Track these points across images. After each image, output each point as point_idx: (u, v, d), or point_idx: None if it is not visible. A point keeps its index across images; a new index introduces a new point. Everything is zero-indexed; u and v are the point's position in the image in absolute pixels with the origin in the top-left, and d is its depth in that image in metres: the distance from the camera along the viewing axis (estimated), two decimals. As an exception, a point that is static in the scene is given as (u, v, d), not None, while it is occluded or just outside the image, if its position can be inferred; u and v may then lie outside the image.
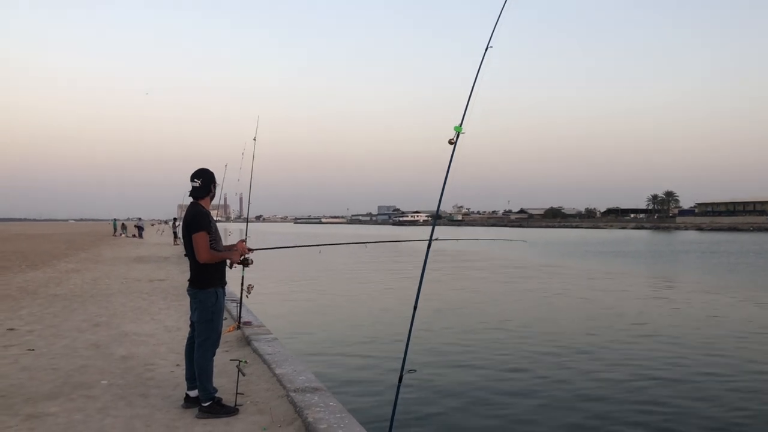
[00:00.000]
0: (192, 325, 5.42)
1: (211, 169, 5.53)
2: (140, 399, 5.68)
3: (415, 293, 4.31)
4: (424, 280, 4.29)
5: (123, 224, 63.18)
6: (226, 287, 5.53)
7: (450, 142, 3.88)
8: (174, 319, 10.19)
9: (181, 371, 6.54)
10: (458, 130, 3.84)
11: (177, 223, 49.31)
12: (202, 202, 5.41)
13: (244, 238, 5.67)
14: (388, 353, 10.63)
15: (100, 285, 15.49)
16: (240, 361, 5.49)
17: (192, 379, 5.36)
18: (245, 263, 5.52)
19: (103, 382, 6.25)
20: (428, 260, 4.27)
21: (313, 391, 5.51)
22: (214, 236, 5.32)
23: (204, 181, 5.41)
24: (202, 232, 5.17)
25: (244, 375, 5.47)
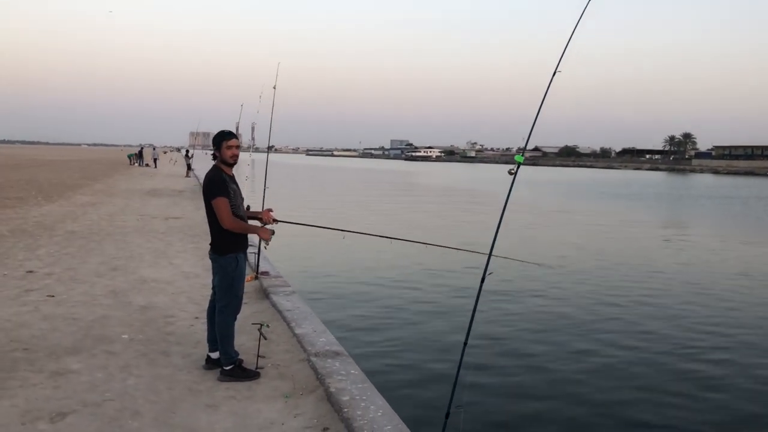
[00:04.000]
0: (214, 289, 5.37)
1: (227, 124, 5.35)
2: (162, 357, 5.70)
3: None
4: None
5: (140, 152, 61.31)
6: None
7: (510, 173, 3.68)
8: (191, 264, 10.21)
9: (200, 325, 6.58)
10: (519, 161, 3.63)
11: (191, 154, 49.20)
12: (219, 165, 5.24)
13: (270, 207, 5.51)
14: (412, 310, 10.37)
15: (117, 222, 15.54)
16: (262, 325, 5.47)
17: (214, 341, 5.36)
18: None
19: (124, 336, 6.27)
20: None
21: (334, 356, 5.50)
22: (234, 200, 5.19)
23: (212, 146, 5.26)
24: (221, 198, 5.03)
25: (266, 339, 5.46)
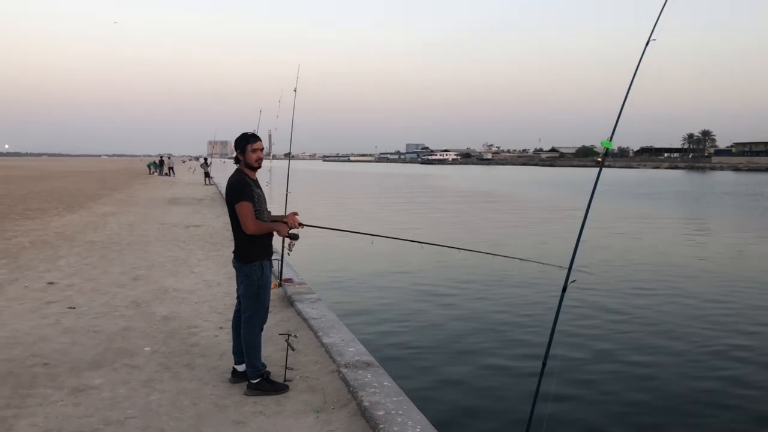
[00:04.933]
0: (239, 298, 5.14)
1: (247, 127, 5.10)
2: (185, 370, 5.48)
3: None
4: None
5: (161, 160, 60.98)
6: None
7: (596, 161, 3.38)
8: (213, 273, 10.02)
9: (225, 336, 6.37)
10: (607, 146, 3.30)
11: (209, 162, 49.39)
12: (243, 169, 5.00)
13: (296, 211, 5.25)
14: (444, 319, 9.81)
15: (137, 231, 15.43)
16: (289, 335, 5.22)
17: (240, 354, 5.12)
18: (292, 237, 5.14)
19: (146, 348, 6.07)
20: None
21: (365, 366, 5.24)
22: (258, 205, 4.95)
23: (234, 146, 5.03)
24: (244, 202, 4.79)
25: (293, 350, 5.21)
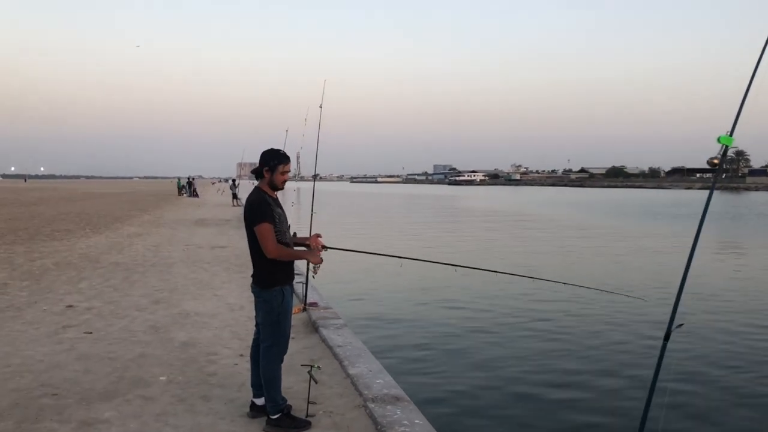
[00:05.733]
0: (257, 326, 4.77)
1: (277, 145, 4.75)
2: (202, 402, 5.10)
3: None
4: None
5: (189, 181, 61.54)
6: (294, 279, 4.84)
7: (712, 164, 2.94)
8: (236, 296, 9.70)
9: (245, 364, 5.98)
10: (727, 143, 2.85)
11: (237, 183, 49.59)
12: (262, 186, 4.65)
13: (318, 232, 4.89)
14: (488, 352, 9.06)
15: (162, 252, 15.23)
16: (312, 367, 4.82)
17: (258, 386, 4.74)
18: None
19: (161, 378, 5.72)
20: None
21: (394, 401, 4.82)
22: (280, 226, 4.58)
23: (260, 160, 4.63)
24: (265, 224, 4.42)
25: (316, 382, 4.81)
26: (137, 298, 9.47)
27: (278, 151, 4.64)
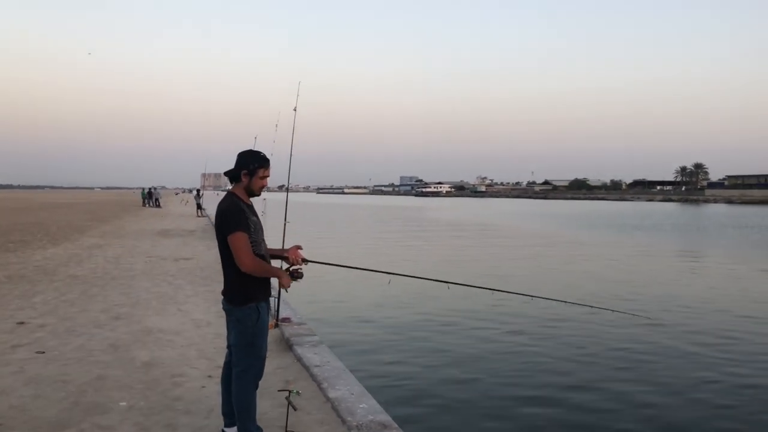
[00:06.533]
0: (229, 348, 4.28)
1: (254, 148, 4.28)
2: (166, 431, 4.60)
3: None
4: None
5: (150, 191, 60.10)
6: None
7: None
8: (202, 311, 9.14)
9: (213, 387, 5.50)
10: None
11: (201, 193, 48.67)
12: (237, 191, 4.19)
13: (298, 244, 4.43)
14: (464, 365, 8.64)
15: (123, 264, 14.53)
16: (290, 392, 4.36)
17: (230, 414, 4.26)
18: (295, 276, 4.29)
19: (121, 403, 5.18)
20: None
21: (381, 429, 4.38)
22: (255, 236, 4.13)
23: (237, 162, 4.16)
24: (239, 233, 3.96)
25: (295, 409, 4.34)
26: (96, 313, 8.85)
27: (258, 152, 4.19)
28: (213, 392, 5.37)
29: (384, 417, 4.64)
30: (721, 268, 20.62)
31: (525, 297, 6.24)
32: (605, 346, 9.60)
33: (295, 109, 7.46)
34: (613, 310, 8.03)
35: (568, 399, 7.33)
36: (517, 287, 7.03)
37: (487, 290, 5.78)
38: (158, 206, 54.15)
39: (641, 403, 7.25)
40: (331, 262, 4.91)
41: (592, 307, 7.62)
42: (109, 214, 40.51)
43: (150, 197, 58.40)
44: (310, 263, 4.44)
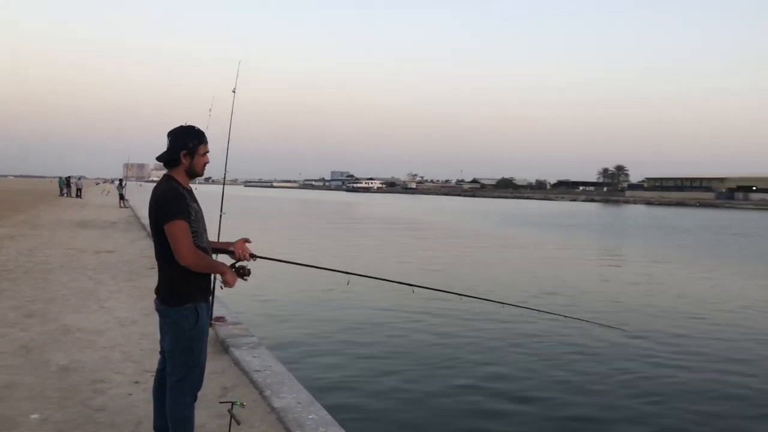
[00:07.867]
0: (163, 354, 3.75)
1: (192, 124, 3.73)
2: (86, 450, 4.01)
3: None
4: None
5: (67, 181, 56.86)
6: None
7: None
8: (127, 308, 8.43)
9: (141, 394, 4.94)
10: None
11: (124, 184, 46.70)
12: (176, 175, 3.66)
13: (246, 237, 3.91)
14: (407, 363, 8.36)
15: (38, 257, 13.46)
16: (233, 404, 3.85)
17: (163, 429, 3.73)
18: (241, 273, 3.78)
19: (33, 416, 4.54)
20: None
21: (333, 441, 3.95)
22: (196, 226, 3.61)
23: (171, 143, 3.61)
24: (178, 221, 3.44)
25: (239, 424, 3.84)
26: (5, 310, 8.00)
27: (193, 127, 3.66)
28: (141, 400, 4.81)
29: (336, 429, 4.20)
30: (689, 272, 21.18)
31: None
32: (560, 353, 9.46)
33: (234, 91, 6.90)
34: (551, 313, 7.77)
35: (492, 388, 7.15)
36: (457, 287, 6.73)
37: (449, 294, 5.36)
38: (79, 196, 51.46)
39: (559, 401, 7.09)
40: (282, 259, 4.42)
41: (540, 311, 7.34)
42: (24, 204, 38.15)
43: (68, 186, 55.40)
44: (258, 259, 3.94)
